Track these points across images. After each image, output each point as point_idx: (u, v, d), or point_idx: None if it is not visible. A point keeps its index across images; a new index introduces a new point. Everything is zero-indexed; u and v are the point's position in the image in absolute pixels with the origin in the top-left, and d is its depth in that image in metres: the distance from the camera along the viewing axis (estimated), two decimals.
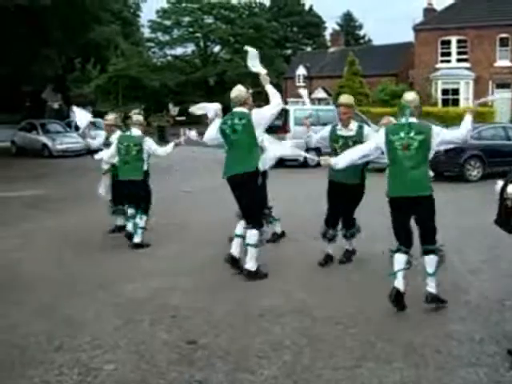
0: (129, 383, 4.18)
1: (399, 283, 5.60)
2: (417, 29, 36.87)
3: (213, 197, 12.17)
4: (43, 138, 25.51)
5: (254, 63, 6.89)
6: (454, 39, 35.51)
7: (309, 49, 68.10)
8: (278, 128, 18.26)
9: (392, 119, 7.18)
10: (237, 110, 6.75)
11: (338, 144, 6.95)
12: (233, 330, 5.16)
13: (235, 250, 6.72)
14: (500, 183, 4.69)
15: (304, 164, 18.32)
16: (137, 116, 8.59)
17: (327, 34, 67.22)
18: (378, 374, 4.32)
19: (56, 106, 45.25)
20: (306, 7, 70.31)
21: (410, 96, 5.75)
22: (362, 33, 73.44)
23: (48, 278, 6.89)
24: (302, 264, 7.18)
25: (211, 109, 7.33)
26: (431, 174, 5.93)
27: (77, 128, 8.76)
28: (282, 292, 6.11)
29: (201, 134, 7.56)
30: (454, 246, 7.97)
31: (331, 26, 70.73)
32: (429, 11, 39.21)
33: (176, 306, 5.77)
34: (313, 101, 44.51)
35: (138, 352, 4.69)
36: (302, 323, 5.34)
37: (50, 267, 7.36)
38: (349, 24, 71.90)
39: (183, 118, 54.48)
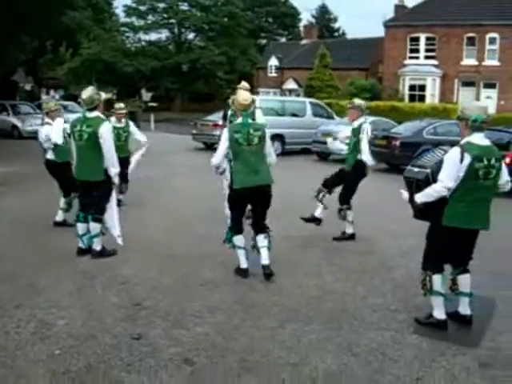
0: (78, 336, 4.79)
1: None
2: (387, 25, 37.66)
3: (169, 181, 12.75)
4: (13, 120, 25.62)
5: None
6: (422, 36, 36.37)
7: (283, 39, 68.62)
8: None
9: None
10: None
11: None
12: (175, 296, 5.80)
13: None
14: (405, 193, 5.43)
15: None
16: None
17: (302, 25, 67.92)
18: (297, 333, 5.00)
19: (28, 87, 45.27)
20: None
21: None
22: (336, 26, 74.20)
23: (13, 249, 7.43)
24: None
25: None
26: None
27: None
28: (225, 266, 6.76)
29: None
30: (389, 231, 8.75)
31: (306, 17, 71.19)
32: (399, 8, 40.02)
33: (126, 276, 6.40)
34: (283, 91, 45.29)
35: (89, 311, 5.32)
36: (239, 292, 5.99)
37: (16, 239, 7.90)
38: (324, 17, 72.58)
39: (155, 104, 54.81)
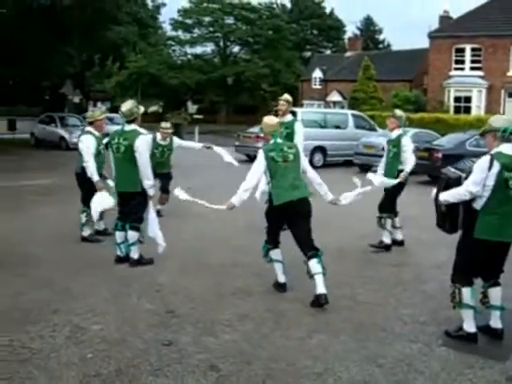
0: (111, 340, 4.97)
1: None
2: (432, 36, 37.28)
3: (208, 192, 12.88)
4: (61, 131, 26.39)
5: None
6: (468, 47, 35.88)
7: (328, 52, 68.74)
8: None
9: None
10: None
11: None
12: (207, 304, 5.94)
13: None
14: (434, 191, 5.42)
15: None
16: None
17: (347, 37, 67.92)
18: (325, 344, 5.06)
19: (77, 100, 46.32)
20: (327, 10, 71.03)
21: None
22: (381, 37, 73.94)
23: (51, 256, 7.70)
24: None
25: None
26: None
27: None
28: (258, 275, 6.87)
29: None
30: (426, 243, 8.73)
31: (351, 29, 71.19)
32: (444, 19, 39.61)
33: (162, 284, 6.58)
34: (327, 104, 45.32)
35: (123, 317, 5.50)
36: (269, 301, 6.09)
37: (55, 247, 8.19)
38: (368, 28, 72.42)
39: (201, 117, 55.44)
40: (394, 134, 8.54)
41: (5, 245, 8.19)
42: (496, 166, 4.91)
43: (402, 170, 8.38)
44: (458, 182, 5.22)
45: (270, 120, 6.46)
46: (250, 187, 6.19)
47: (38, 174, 16.63)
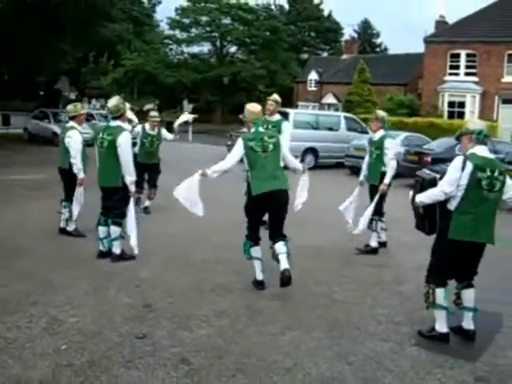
0: (87, 333, 5.04)
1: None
2: (427, 41, 37.40)
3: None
4: (54, 127, 26.32)
5: None
6: (463, 53, 36.01)
7: (325, 54, 68.79)
8: None
9: None
10: None
11: None
12: (186, 299, 6.02)
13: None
14: (411, 193, 5.52)
15: None
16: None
17: (344, 40, 67.95)
18: (298, 340, 5.14)
19: (73, 96, 46.34)
20: (325, 13, 71.07)
21: None
22: (378, 41, 74.00)
23: (38, 249, 7.76)
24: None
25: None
26: None
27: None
28: (239, 273, 6.94)
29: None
30: (408, 245, 8.82)
31: (349, 32, 71.32)
32: (440, 24, 39.75)
33: (142, 279, 6.65)
34: (322, 106, 45.41)
35: (101, 310, 5.57)
36: (247, 298, 6.17)
37: (39, 241, 8.23)
38: (366, 32, 72.49)
39: (196, 116, 55.38)
40: (377, 135, 8.58)
41: None
42: (469, 166, 5.02)
43: (385, 172, 8.43)
44: (432, 183, 5.33)
45: (253, 107, 6.50)
46: (220, 170, 6.30)
47: (29, 169, 16.70)
